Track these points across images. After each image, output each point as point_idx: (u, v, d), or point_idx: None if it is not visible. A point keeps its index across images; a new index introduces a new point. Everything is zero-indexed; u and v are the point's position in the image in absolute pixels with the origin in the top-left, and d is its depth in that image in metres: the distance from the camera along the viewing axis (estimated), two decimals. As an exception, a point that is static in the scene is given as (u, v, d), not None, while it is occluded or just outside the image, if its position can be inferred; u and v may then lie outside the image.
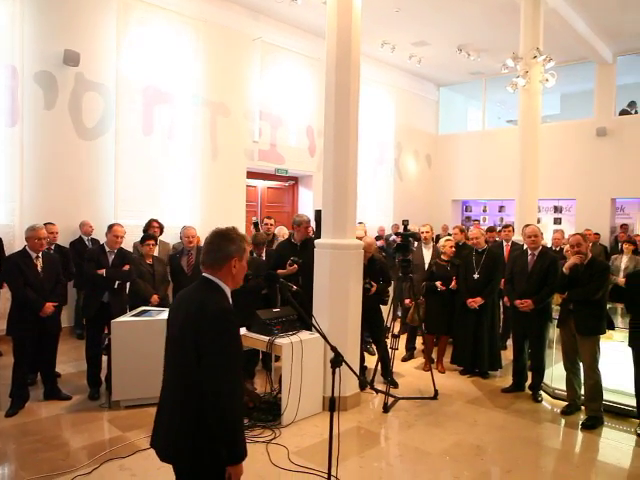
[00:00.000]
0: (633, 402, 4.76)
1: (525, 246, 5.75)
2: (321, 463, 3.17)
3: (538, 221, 13.42)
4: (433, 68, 13.35)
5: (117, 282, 5.33)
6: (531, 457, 4.24)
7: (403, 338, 6.92)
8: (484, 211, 15.00)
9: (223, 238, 2.22)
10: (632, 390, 4.71)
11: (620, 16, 10.17)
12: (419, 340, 6.82)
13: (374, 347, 6.47)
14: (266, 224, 7.26)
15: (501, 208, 14.45)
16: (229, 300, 2.17)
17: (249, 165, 10.10)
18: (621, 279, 7.31)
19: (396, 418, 4.96)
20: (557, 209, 13.50)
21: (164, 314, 5.18)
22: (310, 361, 4.74)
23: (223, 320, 2.03)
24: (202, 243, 7.65)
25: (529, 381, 5.63)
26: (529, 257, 5.46)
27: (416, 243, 6.64)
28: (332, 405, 2.81)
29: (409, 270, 5.36)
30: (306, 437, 4.42)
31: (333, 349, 2.74)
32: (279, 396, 4.78)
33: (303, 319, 4.79)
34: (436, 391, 5.37)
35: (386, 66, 12.98)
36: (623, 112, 12.47)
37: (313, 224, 6.40)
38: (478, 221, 13.57)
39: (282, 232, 7.30)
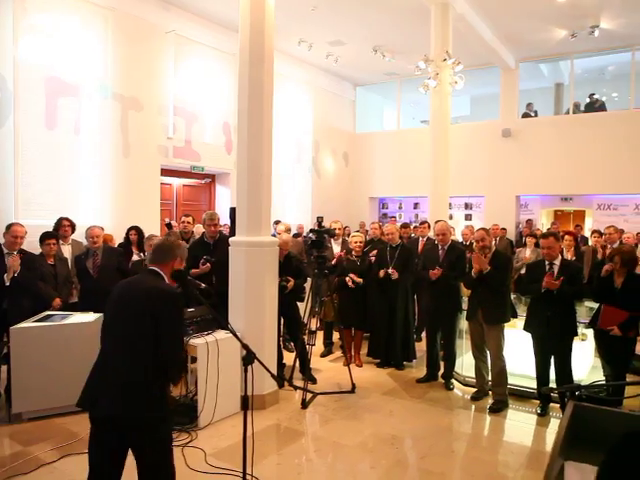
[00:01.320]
0: (535, 385, 5.09)
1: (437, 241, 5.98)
2: (239, 463, 3.12)
3: (450, 217, 14.01)
4: (350, 68, 13.58)
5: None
6: (444, 443, 4.41)
7: (321, 334, 6.99)
8: (400, 208, 15.48)
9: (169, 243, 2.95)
10: (534, 374, 5.03)
11: (520, 25, 10.82)
12: (337, 335, 6.91)
13: (292, 344, 6.48)
14: (183, 222, 7.05)
15: (416, 205, 14.98)
16: None
17: (163, 162, 9.77)
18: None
19: (315, 413, 4.99)
20: (468, 206, 14.19)
21: (71, 318, 4.90)
22: (227, 360, 4.65)
23: (177, 299, 2.66)
24: (116, 242, 7.27)
25: (442, 370, 5.86)
26: (440, 251, 5.70)
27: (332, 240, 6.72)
28: (245, 404, 2.76)
29: (325, 266, 5.41)
30: (224, 438, 4.34)
31: (244, 347, 2.70)
32: (196, 398, 4.66)
33: (223, 319, 4.68)
34: (353, 385, 5.45)
35: (304, 64, 13.04)
36: (525, 115, 13.32)
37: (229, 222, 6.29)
38: (394, 218, 13.96)
39: (199, 231, 7.13)
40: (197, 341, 4.56)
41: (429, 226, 7.60)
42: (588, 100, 12.98)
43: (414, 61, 9.38)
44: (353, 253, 6.37)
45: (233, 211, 5.26)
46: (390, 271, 5.92)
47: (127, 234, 7.17)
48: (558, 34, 11.33)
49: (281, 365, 5.80)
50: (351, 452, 4.18)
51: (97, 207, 8.54)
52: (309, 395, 5.22)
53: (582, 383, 4.97)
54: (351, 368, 5.64)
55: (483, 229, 5.28)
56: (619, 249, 4.86)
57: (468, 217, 14.14)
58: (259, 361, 2.70)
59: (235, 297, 5.02)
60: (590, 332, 5.19)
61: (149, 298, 2.61)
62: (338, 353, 6.88)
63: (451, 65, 8.81)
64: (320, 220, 5.57)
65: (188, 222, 6.97)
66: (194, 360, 4.72)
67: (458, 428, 4.81)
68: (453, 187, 9.46)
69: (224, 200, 11.25)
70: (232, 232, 5.29)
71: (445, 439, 4.50)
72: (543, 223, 13.57)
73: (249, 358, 2.65)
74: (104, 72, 8.68)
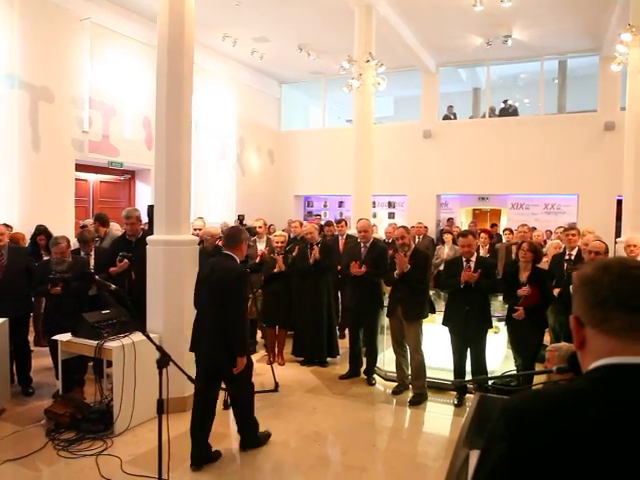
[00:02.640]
0: (452, 377, 5.28)
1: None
2: (157, 469, 3.03)
3: (374, 215, 14.34)
4: (275, 65, 13.52)
5: None
6: (366, 437, 4.48)
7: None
8: (325, 206, 15.61)
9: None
10: (451, 367, 5.23)
11: (440, 30, 11.22)
12: (261, 334, 6.85)
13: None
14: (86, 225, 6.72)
15: (341, 203, 15.17)
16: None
17: (78, 157, 9.28)
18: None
19: (237, 414, 4.92)
20: (391, 204, 14.56)
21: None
22: (145, 363, 4.44)
23: (241, 278, 3.82)
24: (27, 241, 6.75)
25: (364, 366, 5.95)
26: (362, 249, 5.79)
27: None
28: (160, 407, 2.67)
29: (246, 265, 5.33)
30: (141, 444, 4.17)
31: (159, 349, 2.60)
32: (112, 404, 4.45)
33: (135, 320, 4.50)
34: (277, 383, 5.42)
35: (228, 60, 12.84)
36: (446, 117, 13.84)
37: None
38: (319, 216, 14.07)
39: (114, 228, 6.82)
40: (112, 344, 4.35)
41: (346, 224, 7.70)
42: (503, 105, 13.70)
43: (339, 61, 9.48)
44: (276, 252, 6.33)
45: (151, 209, 5.07)
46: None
47: (33, 238, 6.68)
48: (475, 41, 11.85)
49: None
50: (274, 451, 4.15)
51: (3, 204, 7.97)
52: (232, 395, 5.13)
53: (495, 374, 5.26)
54: (274, 367, 5.61)
55: (403, 227, 5.43)
56: (528, 241, 5.18)
57: (391, 215, 14.50)
58: (174, 363, 2.61)
59: (153, 298, 4.84)
60: (503, 325, 5.45)
61: (228, 276, 3.68)
62: (262, 352, 6.82)
63: (374, 66, 8.98)
64: (241, 218, 5.50)
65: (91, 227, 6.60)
66: (110, 364, 4.51)
67: (380, 422, 4.91)
68: (376, 186, 9.64)
69: (145, 197, 10.86)
70: (150, 231, 5.09)
71: (367, 434, 4.57)
72: (462, 221, 14.17)
73: (163, 361, 2.56)
74: (10, 59, 8.10)
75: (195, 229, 6.90)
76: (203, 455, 3.83)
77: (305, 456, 4.07)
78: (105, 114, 9.70)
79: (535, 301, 4.88)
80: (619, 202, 9.39)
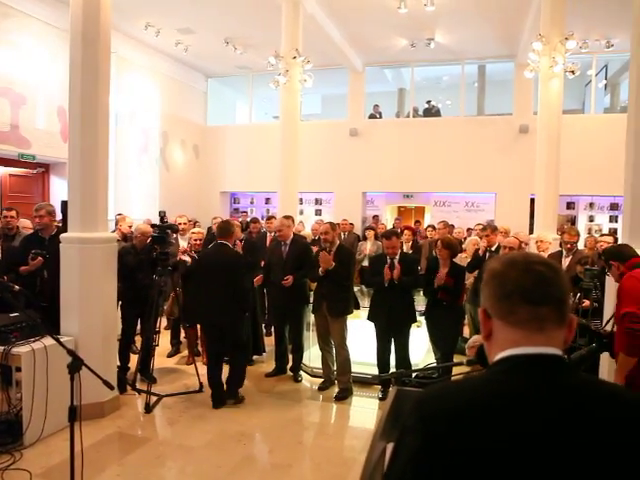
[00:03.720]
0: (377, 371, 5.38)
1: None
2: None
3: (301, 212, 14.39)
4: (201, 58, 13.18)
5: None
6: (292, 434, 4.48)
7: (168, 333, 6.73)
8: (252, 203, 15.44)
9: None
10: (375, 361, 5.32)
11: (367, 30, 11.37)
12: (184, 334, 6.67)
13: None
14: (5, 217, 6.25)
15: (268, 200, 15.05)
16: None
17: (-17, 148, 8.62)
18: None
19: (159, 417, 4.77)
20: (318, 201, 14.63)
21: None
22: (57, 368, 4.17)
23: (239, 262, 5.10)
24: None
25: (291, 363, 5.94)
26: (283, 247, 5.76)
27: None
28: (72, 414, 2.51)
29: (168, 263, 5.17)
30: (55, 454, 3.94)
31: (70, 353, 2.45)
32: (21, 413, 4.16)
33: (47, 322, 4.23)
34: (201, 384, 5.29)
35: (151, 51, 12.37)
36: (372, 116, 14.08)
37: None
38: (246, 213, 13.89)
39: (24, 225, 6.40)
40: (21, 349, 4.07)
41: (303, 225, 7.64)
42: (426, 105, 14.13)
43: (266, 56, 9.39)
44: (193, 250, 6.17)
45: (65, 205, 4.78)
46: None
47: None
48: (400, 43, 12.12)
49: (124, 369, 5.43)
50: (198, 453, 4.05)
51: None
52: (153, 398, 4.96)
53: (419, 367, 5.41)
54: (198, 367, 5.48)
55: (330, 223, 5.46)
56: (443, 237, 5.38)
57: (318, 212, 14.57)
58: (87, 367, 2.47)
59: (67, 298, 4.57)
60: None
61: (236, 260, 5.03)
62: (187, 352, 6.64)
63: (301, 63, 8.97)
64: (162, 215, 5.31)
65: (11, 216, 6.19)
66: (19, 370, 4.22)
67: (306, 419, 4.92)
68: (303, 183, 9.65)
69: (61, 193, 10.22)
70: (64, 228, 4.80)
71: (293, 431, 4.57)
72: (387, 219, 14.47)
73: (75, 365, 2.41)
74: None
75: (129, 226, 6.94)
76: (222, 397, 4.97)
77: (230, 456, 4.01)
78: (14, 103, 9.04)
79: (452, 295, 5.06)
80: (532, 200, 9.92)
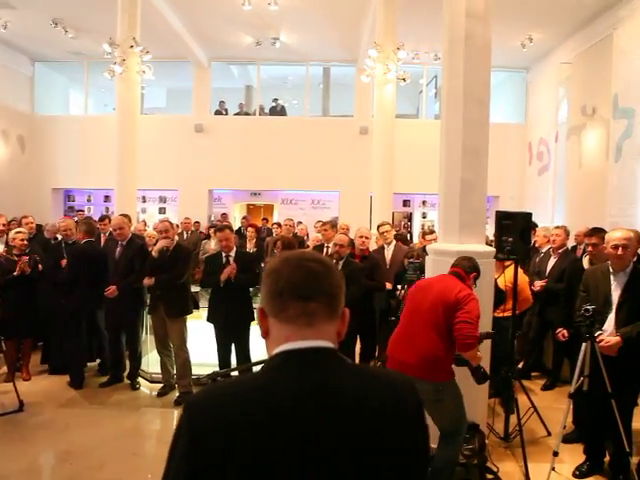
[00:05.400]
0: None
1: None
2: None
3: (143, 211, 13.74)
4: (25, 39, 11.88)
5: None
6: (127, 446, 4.21)
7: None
8: (89, 201, 14.29)
9: None
10: (217, 362, 5.22)
11: (211, 24, 11.15)
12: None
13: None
14: None
15: (107, 198, 14.01)
16: None
17: None
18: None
19: (-33, 444, 4.19)
20: (162, 199, 14.05)
21: None
22: None
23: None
24: None
25: (127, 370, 5.60)
26: (118, 247, 5.42)
27: None
28: None
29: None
30: None
31: None
32: None
33: None
34: (21, 402, 4.74)
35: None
36: (218, 112, 13.86)
37: None
38: (83, 211, 12.80)
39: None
40: None
41: (110, 221, 7.17)
42: (273, 104, 14.28)
43: (102, 43, 8.75)
44: (14, 251, 5.51)
45: None
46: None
47: None
48: (246, 40, 12.10)
49: None
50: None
51: None
52: (-40, 423, 4.34)
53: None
54: (17, 383, 4.89)
55: (167, 221, 5.26)
56: (282, 237, 5.45)
57: (162, 210, 14.00)
58: None
59: None
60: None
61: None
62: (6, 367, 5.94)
63: (139, 53, 8.52)
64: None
65: None
66: None
67: (144, 427, 4.70)
68: (146, 179, 9.22)
69: None
70: None
71: (128, 442, 4.31)
72: (236, 217, 14.39)
73: None
74: None
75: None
76: None
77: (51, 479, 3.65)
78: None
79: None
80: (372, 199, 10.52)
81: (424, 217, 14.61)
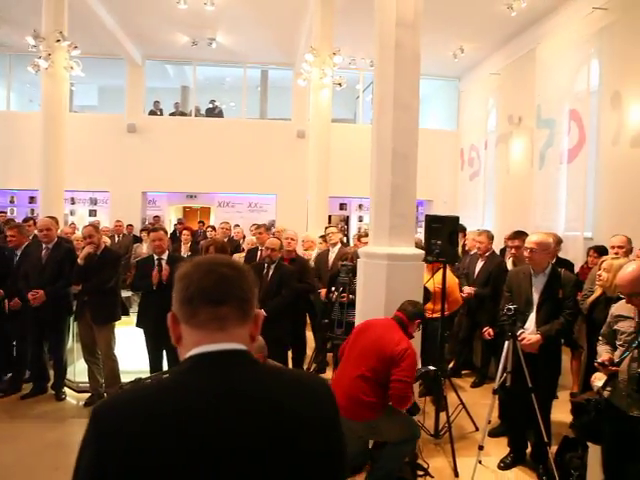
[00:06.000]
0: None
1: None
2: None
3: (72, 213, 13.16)
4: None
5: None
6: (49, 461, 3.99)
7: None
8: (12, 202, 13.52)
9: None
10: (147, 368, 5.06)
11: (145, 22, 10.85)
12: None
13: None
14: None
15: (32, 199, 13.28)
16: None
17: None
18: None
19: None
20: (93, 201, 13.50)
21: None
22: None
23: None
24: None
25: (52, 380, 5.34)
26: (43, 251, 5.17)
27: None
28: None
29: None
30: None
31: None
32: None
33: None
34: None
35: None
36: (152, 112, 13.48)
37: None
38: (5, 213, 12.07)
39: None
40: None
41: (35, 223, 6.83)
42: (210, 105, 14.07)
43: (26, 35, 8.32)
44: None
45: None
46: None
47: None
48: (181, 39, 11.86)
49: None
50: None
51: None
52: None
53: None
54: None
55: (91, 225, 5.08)
56: (214, 240, 5.40)
57: (93, 213, 13.47)
58: None
59: None
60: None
61: None
62: None
63: (66, 48, 8.17)
64: None
65: None
66: None
67: (68, 440, 4.44)
68: (74, 180, 8.84)
69: None
70: None
71: (50, 456, 4.08)
72: (171, 220, 14.06)
73: None
74: None
75: None
76: None
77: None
78: None
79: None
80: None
81: (360, 220, 14.83)
